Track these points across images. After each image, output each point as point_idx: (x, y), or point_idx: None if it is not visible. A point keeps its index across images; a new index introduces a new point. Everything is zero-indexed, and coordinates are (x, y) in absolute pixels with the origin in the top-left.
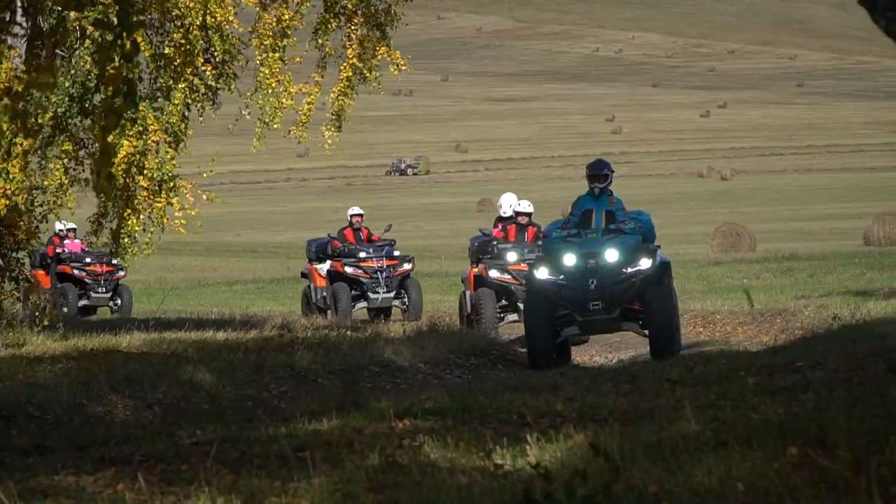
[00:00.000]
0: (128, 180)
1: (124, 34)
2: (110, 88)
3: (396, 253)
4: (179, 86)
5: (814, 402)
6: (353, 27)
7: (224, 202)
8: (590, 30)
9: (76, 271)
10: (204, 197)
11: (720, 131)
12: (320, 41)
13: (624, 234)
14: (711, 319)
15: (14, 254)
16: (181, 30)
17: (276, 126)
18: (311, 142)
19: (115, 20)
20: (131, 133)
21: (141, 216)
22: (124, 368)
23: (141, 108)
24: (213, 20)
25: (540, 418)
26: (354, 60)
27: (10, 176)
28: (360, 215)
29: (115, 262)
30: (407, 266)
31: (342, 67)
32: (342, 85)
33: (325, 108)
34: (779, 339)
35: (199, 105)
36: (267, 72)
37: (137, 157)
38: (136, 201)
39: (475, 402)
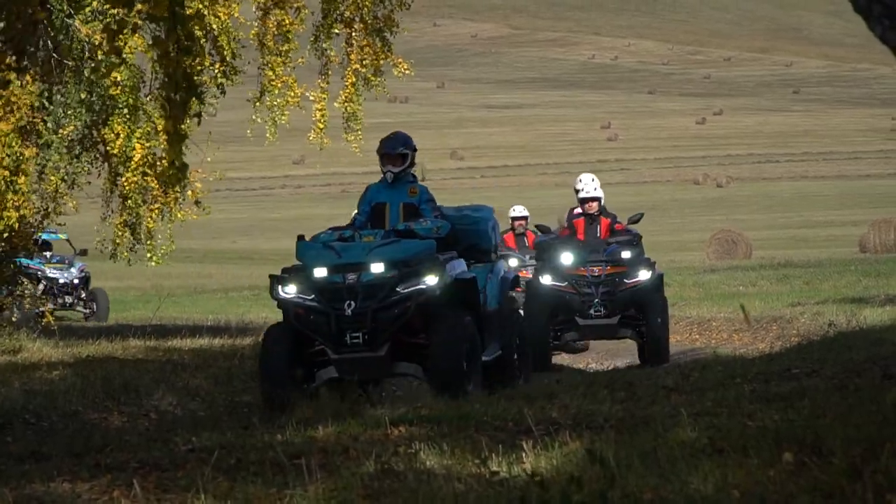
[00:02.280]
0: (143, 182)
1: (178, 27)
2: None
3: None
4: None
5: (810, 409)
6: (353, 33)
7: (202, 195)
8: (585, 37)
9: None
10: (190, 193)
11: (716, 138)
12: (323, 45)
13: (412, 239)
14: (707, 326)
15: (9, 258)
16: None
17: (283, 120)
18: (310, 148)
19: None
20: (139, 136)
21: (154, 214)
22: (120, 375)
23: (148, 109)
24: (218, 20)
25: (536, 425)
26: (357, 66)
27: (17, 187)
28: (524, 218)
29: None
30: None
31: (346, 73)
32: (348, 91)
33: (337, 114)
34: (775, 346)
35: (205, 106)
36: (271, 74)
37: (150, 157)
38: (151, 199)
39: (471, 409)
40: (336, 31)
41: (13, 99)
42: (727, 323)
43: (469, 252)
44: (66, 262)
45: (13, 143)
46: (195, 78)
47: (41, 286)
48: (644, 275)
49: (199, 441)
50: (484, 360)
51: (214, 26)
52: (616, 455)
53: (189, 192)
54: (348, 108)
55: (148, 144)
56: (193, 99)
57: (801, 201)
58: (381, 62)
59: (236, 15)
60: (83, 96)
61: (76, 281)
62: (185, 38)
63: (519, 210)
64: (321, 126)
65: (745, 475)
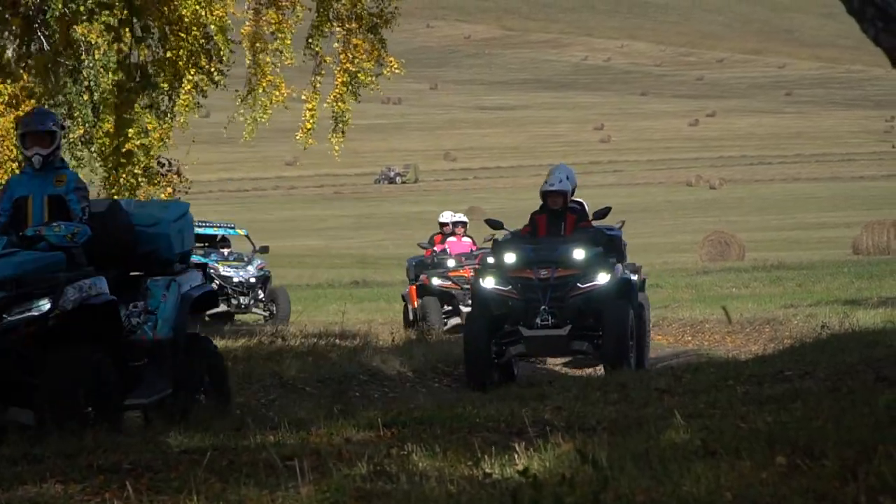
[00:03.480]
0: (130, 175)
1: (133, 18)
2: (120, 74)
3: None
4: (185, 87)
5: (802, 411)
6: (348, 32)
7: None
8: (578, 38)
9: (436, 280)
10: (177, 177)
11: (709, 140)
12: (313, 42)
13: (36, 251)
14: (700, 328)
15: None
16: (182, 32)
17: (264, 119)
18: (303, 150)
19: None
20: (133, 133)
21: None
22: None
23: (137, 109)
24: (213, 17)
25: (528, 427)
26: (349, 65)
27: None
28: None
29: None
30: None
31: (337, 72)
32: (338, 90)
33: (326, 115)
34: (767, 348)
35: (199, 105)
36: (258, 72)
37: (140, 156)
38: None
39: (463, 410)
40: (329, 28)
41: (17, 93)
42: (720, 325)
43: (147, 261)
44: (245, 259)
45: None
46: (181, 64)
47: (213, 286)
48: (602, 278)
49: (191, 442)
50: (140, 402)
51: (213, 26)
52: (609, 457)
53: (162, 195)
54: (337, 108)
55: (138, 143)
56: (148, 91)
57: (794, 203)
58: (375, 59)
59: (232, 11)
60: (85, 98)
61: (253, 280)
62: (140, 29)
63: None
64: (309, 126)
65: (738, 477)
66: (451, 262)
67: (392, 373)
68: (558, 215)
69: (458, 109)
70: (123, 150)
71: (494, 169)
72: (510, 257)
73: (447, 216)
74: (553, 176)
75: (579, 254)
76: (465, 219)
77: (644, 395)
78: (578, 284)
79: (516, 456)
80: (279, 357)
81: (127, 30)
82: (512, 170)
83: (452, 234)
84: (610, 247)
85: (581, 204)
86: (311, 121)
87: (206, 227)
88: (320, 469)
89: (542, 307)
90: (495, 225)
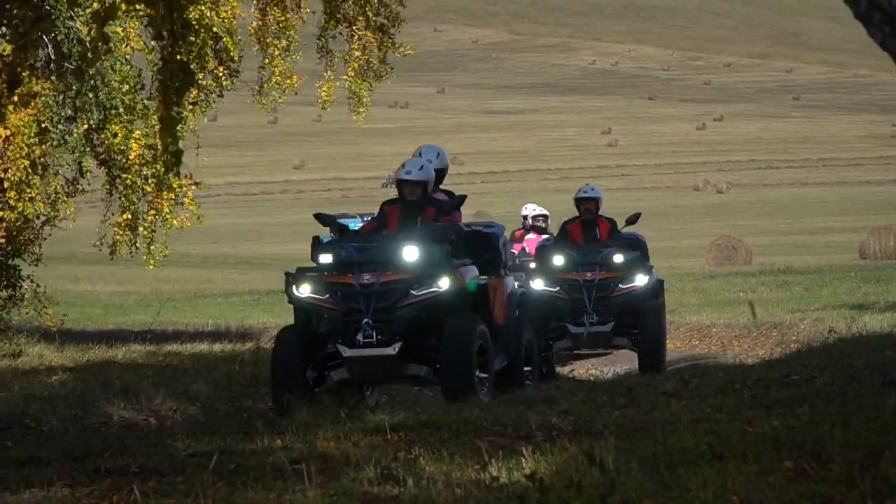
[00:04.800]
0: (140, 183)
1: (174, 14)
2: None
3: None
4: (193, 92)
5: (809, 415)
6: (356, 30)
7: (193, 205)
8: (586, 42)
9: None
10: (191, 183)
11: (716, 144)
12: (322, 41)
13: None
14: (707, 332)
15: (10, 261)
16: (192, 35)
17: (281, 101)
18: (309, 153)
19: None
20: (137, 136)
21: (150, 218)
22: (120, 380)
23: (146, 111)
24: (219, 19)
25: (535, 431)
26: (358, 53)
27: (32, 182)
28: (594, 200)
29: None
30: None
31: (348, 63)
32: (351, 76)
33: (343, 107)
34: (774, 352)
35: (205, 108)
36: (269, 63)
37: (147, 157)
38: (150, 200)
39: (470, 414)
40: (335, 28)
41: (28, 91)
42: (727, 329)
43: None
44: None
45: (31, 135)
46: (192, 66)
47: None
48: (443, 283)
49: (198, 446)
50: None
51: (217, 29)
52: (616, 461)
53: (185, 199)
54: (352, 84)
55: (144, 143)
56: (191, 88)
57: (801, 207)
58: (385, 50)
59: (239, 12)
60: (91, 97)
61: None
62: (180, 25)
63: (588, 190)
64: (327, 98)
65: (745, 481)
66: (533, 264)
67: None
68: (415, 208)
69: (466, 113)
70: (172, 149)
71: (502, 173)
72: (326, 258)
73: (530, 208)
74: (411, 161)
75: (411, 253)
76: (545, 211)
77: (651, 399)
78: (412, 292)
79: (523, 460)
80: None
81: (167, 27)
82: (519, 174)
83: (533, 228)
84: (481, 246)
85: (450, 195)
86: (328, 94)
87: (342, 219)
88: (328, 473)
89: (365, 320)
90: (326, 221)
